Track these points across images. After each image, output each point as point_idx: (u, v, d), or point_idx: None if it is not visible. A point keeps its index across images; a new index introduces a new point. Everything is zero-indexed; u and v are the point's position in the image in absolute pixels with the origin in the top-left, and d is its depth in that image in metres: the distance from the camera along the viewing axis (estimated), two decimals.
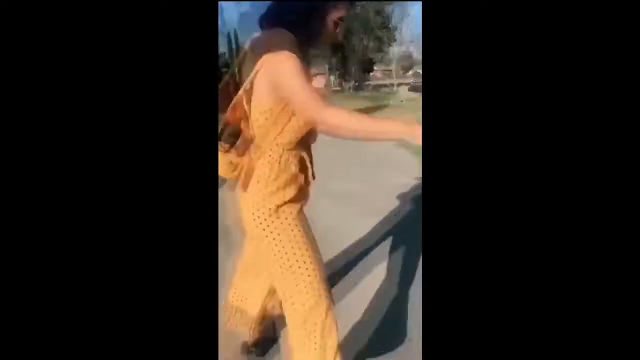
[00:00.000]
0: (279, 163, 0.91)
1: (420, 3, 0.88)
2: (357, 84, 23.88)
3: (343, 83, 27.70)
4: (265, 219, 0.92)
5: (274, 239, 0.92)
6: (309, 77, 0.87)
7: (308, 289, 0.93)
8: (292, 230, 0.93)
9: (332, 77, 27.78)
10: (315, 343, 0.94)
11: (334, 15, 0.91)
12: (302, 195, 0.98)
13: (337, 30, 0.93)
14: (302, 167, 0.97)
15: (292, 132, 0.91)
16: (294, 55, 0.84)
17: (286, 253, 0.92)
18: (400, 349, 1.38)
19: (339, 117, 0.82)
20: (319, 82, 0.96)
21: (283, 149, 0.92)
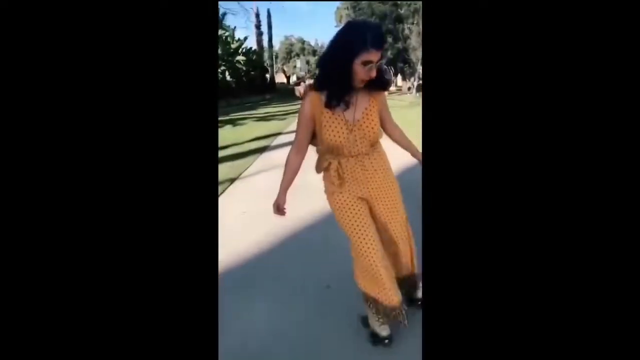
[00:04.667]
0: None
1: None
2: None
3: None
4: (329, 198, 1.49)
5: (337, 210, 1.45)
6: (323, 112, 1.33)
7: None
8: (343, 204, 1.44)
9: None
10: None
11: (360, 60, 1.20)
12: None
13: (368, 70, 1.22)
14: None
15: (322, 146, 1.42)
16: (313, 95, 1.33)
17: (342, 221, 1.44)
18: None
19: (287, 157, 1.45)
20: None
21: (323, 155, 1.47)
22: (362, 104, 1.35)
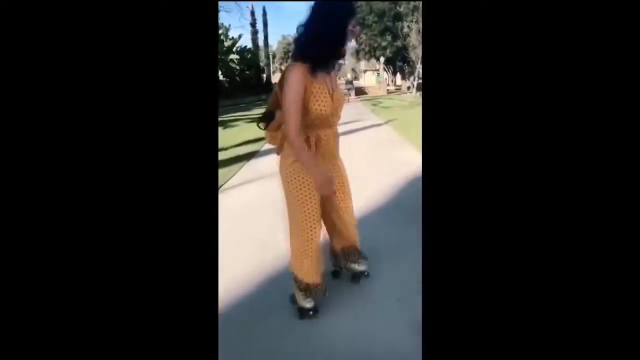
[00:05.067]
0: None
1: None
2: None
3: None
4: (289, 173, 1.45)
5: (292, 186, 1.45)
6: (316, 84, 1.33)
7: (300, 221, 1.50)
8: (302, 182, 1.44)
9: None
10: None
11: (351, 25, 1.31)
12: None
13: (353, 37, 1.34)
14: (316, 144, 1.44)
15: (305, 118, 1.34)
16: (300, 65, 1.29)
17: (294, 196, 1.46)
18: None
19: (291, 140, 1.33)
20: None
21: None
22: (333, 74, 1.43)
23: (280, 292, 1.81)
